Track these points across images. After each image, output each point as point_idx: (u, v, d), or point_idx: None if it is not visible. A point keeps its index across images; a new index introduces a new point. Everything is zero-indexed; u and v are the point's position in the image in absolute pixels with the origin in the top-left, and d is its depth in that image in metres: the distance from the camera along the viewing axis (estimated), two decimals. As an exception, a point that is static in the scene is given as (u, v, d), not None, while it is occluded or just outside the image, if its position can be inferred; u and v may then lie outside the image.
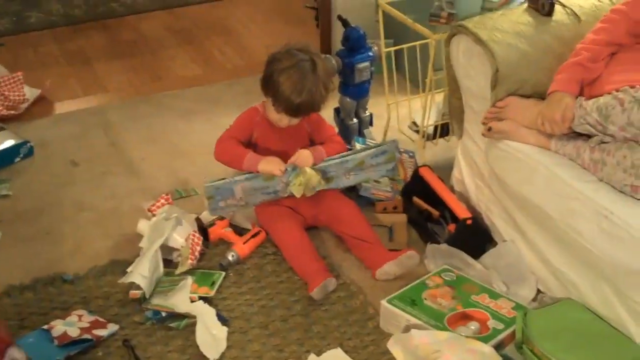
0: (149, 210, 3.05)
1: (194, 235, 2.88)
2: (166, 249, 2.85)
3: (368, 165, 2.99)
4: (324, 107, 2.96)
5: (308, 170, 2.87)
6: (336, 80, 3.37)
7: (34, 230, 3.10)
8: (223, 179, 2.90)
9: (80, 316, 2.59)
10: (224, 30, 5.05)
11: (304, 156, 2.90)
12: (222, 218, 3.05)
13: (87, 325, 2.55)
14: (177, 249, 2.86)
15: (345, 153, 3.01)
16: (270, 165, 2.87)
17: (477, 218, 2.97)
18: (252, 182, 2.89)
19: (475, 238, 2.91)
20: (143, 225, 2.95)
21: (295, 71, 2.80)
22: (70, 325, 2.53)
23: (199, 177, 3.03)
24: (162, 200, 3.07)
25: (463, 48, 2.84)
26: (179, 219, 2.92)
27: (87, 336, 2.50)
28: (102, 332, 2.54)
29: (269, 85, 2.86)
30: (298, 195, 2.88)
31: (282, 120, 2.90)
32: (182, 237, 2.87)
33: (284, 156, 2.93)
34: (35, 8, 5.06)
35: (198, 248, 2.86)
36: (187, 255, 2.81)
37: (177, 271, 2.78)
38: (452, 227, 2.96)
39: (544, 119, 2.58)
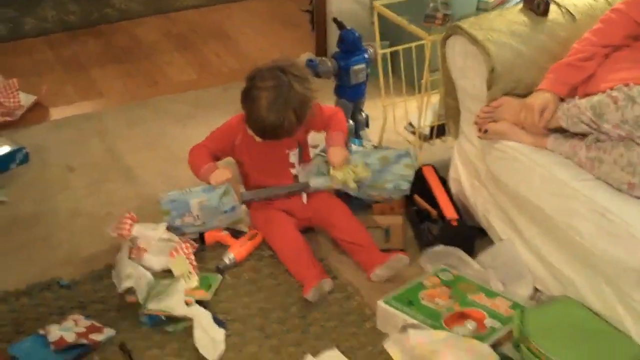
0: (120, 235, 2.89)
1: (182, 247, 2.83)
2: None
3: (390, 162, 2.98)
4: (292, 135, 2.92)
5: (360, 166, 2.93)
6: (331, 83, 3.37)
7: (30, 236, 3.10)
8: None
9: (76, 321, 2.58)
10: (220, 34, 5.04)
11: (337, 154, 2.93)
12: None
13: (84, 330, 2.54)
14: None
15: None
16: (220, 175, 2.90)
17: (464, 220, 2.95)
18: (208, 196, 2.88)
19: (459, 239, 2.89)
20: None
21: (270, 93, 2.77)
22: (67, 330, 2.51)
23: (196, 183, 3.01)
24: (129, 221, 2.93)
25: (459, 49, 2.83)
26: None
27: (83, 341, 2.49)
28: (98, 337, 2.53)
29: (246, 100, 2.85)
30: (338, 182, 2.93)
31: (255, 136, 2.89)
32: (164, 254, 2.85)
33: (269, 160, 2.98)
34: (30, 15, 5.06)
35: (192, 257, 2.84)
36: (188, 270, 2.78)
37: (187, 287, 2.73)
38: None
39: (523, 107, 2.61)
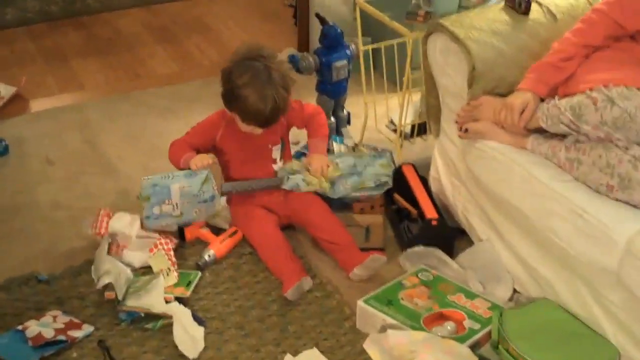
0: (98, 233, 2.89)
1: (161, 242, 2.84)
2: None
3: (366, 162, 2.98)
4: (289, 108, 2.93)
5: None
6: (312, 79, 3.36)
7: (8, 229, 3.08)
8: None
9: (55, 317, 2.58)
10: (202, 27, 5.02)
11: (318, 161, 2.96)
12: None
13: (62, 326, 2.53)
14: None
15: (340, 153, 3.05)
16: (201, 160, 2.88)
17: (444, 219, 2.94)
18: (189, 182, 2.87)
19: (440, 239, 2.89)
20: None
21: (254, 84, 2.75)
22: (45, 326, 2.51)
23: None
24: (105, 219, 2.93)
25: (440, 46, 2.83)
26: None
27: (61, 337, 2.48)
28: (77, 333, 2.53)
29: (232, 102, 2.83)
30: (313, 186, 2.95)
31: (255, 130, 2.88)
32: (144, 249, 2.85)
33: (252, 154, 2.98)
34: (10, 4, 5.02)
35: (172, 253, 2.83)
36: (168, 266, 2.78)
37: (166, 284, 2.72)
38: (425, 226, 2.96)
39: (503, 107, 2.61)
